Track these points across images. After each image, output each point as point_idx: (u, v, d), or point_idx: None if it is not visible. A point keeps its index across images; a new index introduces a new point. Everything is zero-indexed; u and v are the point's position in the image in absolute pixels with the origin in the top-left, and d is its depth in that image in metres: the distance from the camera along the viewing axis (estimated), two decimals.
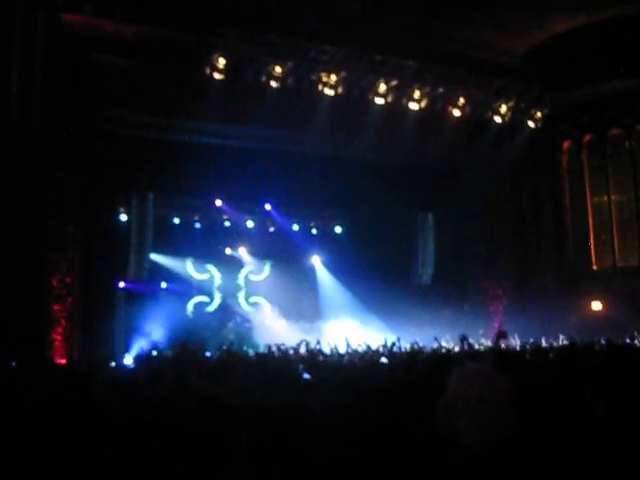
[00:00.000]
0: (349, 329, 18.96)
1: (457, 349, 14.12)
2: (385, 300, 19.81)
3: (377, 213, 22.17)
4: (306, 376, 6.86)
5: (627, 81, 20.05)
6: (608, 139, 21.84)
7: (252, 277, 23.05)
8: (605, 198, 21.86)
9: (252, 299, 22.92)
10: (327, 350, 15.46)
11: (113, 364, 13.25)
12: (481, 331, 19.79)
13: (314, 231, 24.43)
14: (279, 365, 9.89)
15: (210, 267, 22.39)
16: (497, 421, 2.58)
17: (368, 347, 15.62)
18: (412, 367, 7.90)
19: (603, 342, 13.41)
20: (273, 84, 17.96)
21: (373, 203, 21.35)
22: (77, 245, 16.89)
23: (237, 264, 22.86)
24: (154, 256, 20.62)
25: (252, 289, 22.99)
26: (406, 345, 16.26)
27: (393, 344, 15.44)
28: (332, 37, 18.03)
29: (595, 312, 20.68)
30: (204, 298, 22.12)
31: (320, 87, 18.57)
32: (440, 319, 21.13)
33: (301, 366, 8.70)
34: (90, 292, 17.23)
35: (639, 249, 21.39)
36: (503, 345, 11.55)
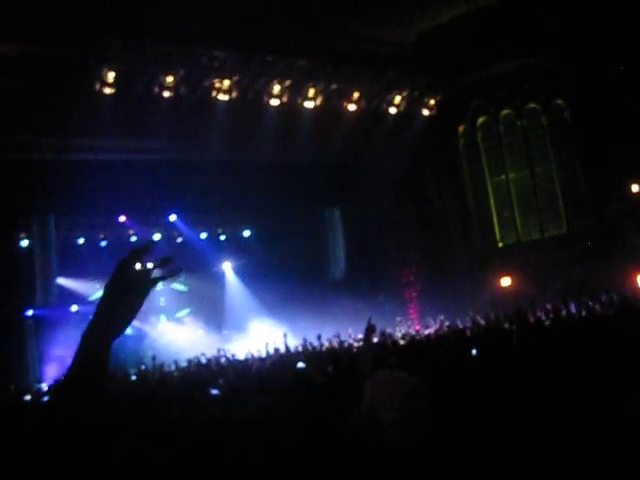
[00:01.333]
0: (266, 333, 18.95)
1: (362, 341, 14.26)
2: (301, 299, 19.87)
3: (284, 213, 22.18)
4: (214, 392, 6.81)
5: (513, 62, 20.67)
6: (500, 120, 22.48)
7: (165, 290, 22.75)
8: (503, 177, 22.50)
9: (167, 313, 22.63)
10: (243, 356, 15.46)
11: (28, 397, 12.86)
12: (398, 319, 20.10)
13: (223, 237, 24.29)
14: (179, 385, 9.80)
15: None
16: (414, 419, 2.63)
17: (287, 349, 15.67)
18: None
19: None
20: (166, 94, 17.73)
21: (279, 204, 21.37)
22: None
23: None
24: (61, 280, 20.09)
25: (167, 302, 22.69)
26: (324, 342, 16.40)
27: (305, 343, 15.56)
28: (222, 42, 17.93)
29: (505, 288, 21.24)
30: None
31: (214, 93, 18.46)
32: (357, 312, 21.33)
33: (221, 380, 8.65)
34: None
35: (540, 223, 22.14)
36: (375, 340, 11.76)
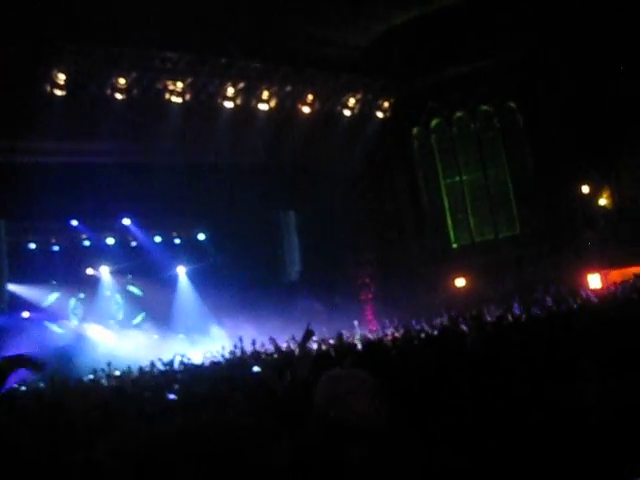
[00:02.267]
0: (222, 337, 18.87)
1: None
2: (256, 301, 19.78)
3: (239, 216, 22.06)
4: (171, 396, 6.75)
5: (466, 65, 20.88)
6: (454, 122, 22.70)
7: (117, 295, 22.51)
8: (457, 178, 22.73)
9: (122, 317, 22.38)
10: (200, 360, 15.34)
11: None
12: (356, 322, 20.11)
13: (177, 241, 24.10)
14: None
15: (71, 290, 21.68)
16: (365, 416, 2.63)
17: (242, 353, 15.61)
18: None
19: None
20: (118, 96, 17.51)
21: (234, 207, 21.26)
22: None
23: (100, 284, 22.25)
24: (11, 286, 19.71)
25: (122, 307, 22.45)
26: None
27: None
28: (175, 44, 17.77)
29: (459, 288, 21.45)
30: (71, 323, 21.38)
31: (167, 95, 18.29)
32: (313, 313, 21.34)
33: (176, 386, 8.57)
34: None
35: (493, 224, 22.42)
36: (312, 345, 11.80)
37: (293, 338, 17.12)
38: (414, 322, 18.00)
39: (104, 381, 14.28)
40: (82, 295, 21.99)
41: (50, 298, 21.22)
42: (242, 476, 3.08)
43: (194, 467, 3.38)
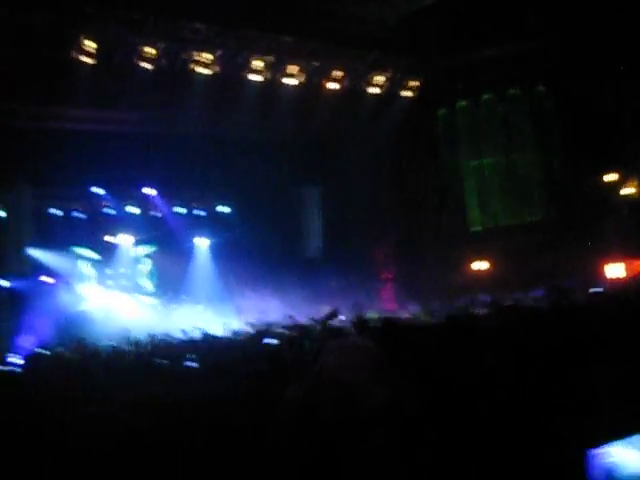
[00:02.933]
0: (240, 310, 18.92)
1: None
2: (275, 276, 19.82)
3: (262, 191, 22.10)
4: (190, 364, 6.79)
5: (495, 47, 20.63)
6: (481, 104, 22.49)
7: (139, 265, 22.67)
8: (482, 161, 22.54)
9: (141, 286, 22.54)
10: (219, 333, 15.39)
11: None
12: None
13: (199, 213, 24.16)
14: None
15: (93, 256, 21.83)
16: (366, 391, 2.63)
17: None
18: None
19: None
20: (146, 65, 17.50)
21: (257, 181, 21.30)
22: None
23: (121, 252, 22.39)
24: (33, 251, 19.89)
25: (139, 276, 22.59)
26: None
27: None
28: (204, 15, 17.71)
29: (479, 272, 21.38)
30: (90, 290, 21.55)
31: (194, 66, 18.25)
32: (331, 291, 21.38)
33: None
34: None
35: (517, 208, 22.26)
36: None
37: (312, 318, 17.09)
38: (433, 304, 17.99)
39: (124, 347, 14.35)
40: (101, 262, 22.13)
41: (70, 264, 21.39)
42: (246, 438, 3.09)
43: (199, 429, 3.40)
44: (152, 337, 14.95)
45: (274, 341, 9.48)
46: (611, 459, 2.14)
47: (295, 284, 19.44)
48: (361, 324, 10.73)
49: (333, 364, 2.83)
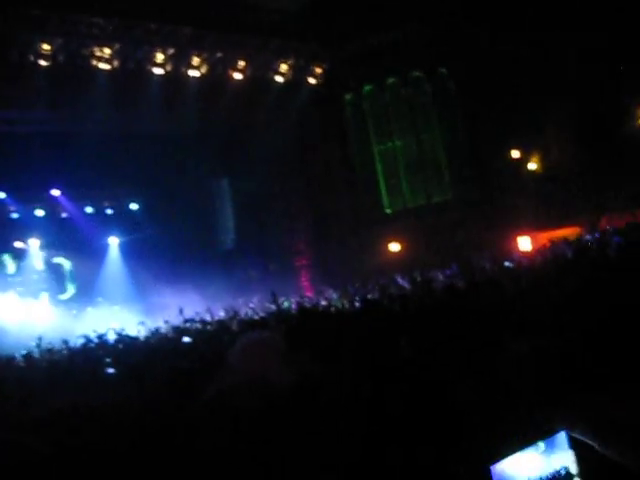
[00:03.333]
0: (159, 306, 18.70)
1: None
2: (191, 271, 19.66)
3: (172, 185, 21.86)
4: (110, 370, 6.71)
5: (397, 31, 20.89)
6: (386, 88, 22.75)
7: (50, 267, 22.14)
8: (390, 144, 22.84)
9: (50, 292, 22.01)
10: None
11: None
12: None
13: (109, 211, 23.71)
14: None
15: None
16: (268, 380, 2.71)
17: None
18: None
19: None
20: (42, 63, 16.98)
21: (166, 175, 21.05)
22: None
23: (31, 257, 21.81)
24: None
25: (49, 281, 22.03)
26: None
27: None
28: (101, 8, 17.28)
29: (393, 253, 21.67)
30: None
31: (94, 62, 17.82)
32: (248, 282, 21.38)
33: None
34: None
35: (425, 189, 22.66)
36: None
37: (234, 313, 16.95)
38: (350, 287, 18.16)
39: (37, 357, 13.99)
40: (11, 269, 21.52)
41: None
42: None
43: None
44: (66, 343, 14.61)
45: (187, 339, 9.45)
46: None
47: (212, 277, 19.35)
48: (278, 314, 10.81)
49: (238, 357, 2.92)
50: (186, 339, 9.59)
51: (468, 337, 4.13)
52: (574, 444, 2.27)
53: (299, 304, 14.02)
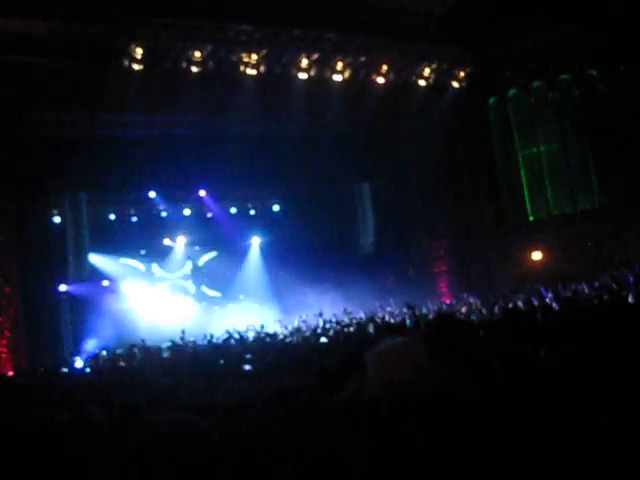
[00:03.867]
0: (295, 308, 19.05)
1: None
2: (330, 273, 19.88)
3: (314, 188, 22.19)
4: (247, 367, 6.86)
5: (544, 33, 20.28)
6: (531, 91, 22.15)
7: (195, 264, 23.03)
8: (534, 150, 22.21)
9: (201, 288, 22.92)
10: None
11: (65, 369, 13.16)
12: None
13: (252, 212, 24.37)
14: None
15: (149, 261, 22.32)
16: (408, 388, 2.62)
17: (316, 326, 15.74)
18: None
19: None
20: (194, 69, 17.67)
21: (309, 178, 21.39)
22: (11, 253, 16.58)
23: (177, 254, 22.78)
24: (92, 256, 20.35)
25: (197, 278, 22.94)
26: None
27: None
28: (249, 16, 17.80)
29: (535, 262, 21.08)
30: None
31: (242, 67, 18.35)
32: (387, 286, 21.37)
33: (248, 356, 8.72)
34: (31, 299, 16.96)
35: (571, 197, 21.86)
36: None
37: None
38: (490, 296, 17.79)
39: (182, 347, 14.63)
40: (159, 265, 22.54)
41: (127, 268, 21.82)
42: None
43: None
44: (210, 337, 15.15)
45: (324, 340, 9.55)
46: None
47: (350, 280, 19.47)
48: (416, 321, 10.75)
49: (377, 361, 2.88)
50: (323, 339, 9.71)
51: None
52: None
53: (438, 311, 13.92)
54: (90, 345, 18.19)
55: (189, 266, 23.10)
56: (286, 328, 16.51)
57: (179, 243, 22.67)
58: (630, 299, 10.29)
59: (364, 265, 22.01)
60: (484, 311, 15.27)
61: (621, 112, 20.16)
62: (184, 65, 17.59)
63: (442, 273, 22.79)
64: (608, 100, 20.79)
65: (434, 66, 21.04)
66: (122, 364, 13.83)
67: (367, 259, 23.03)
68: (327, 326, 15.80)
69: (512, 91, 22.29)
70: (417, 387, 2.62)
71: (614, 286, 13.79)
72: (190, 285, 22.97)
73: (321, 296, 19.25)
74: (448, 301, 20.04)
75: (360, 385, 2.85)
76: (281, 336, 15.19)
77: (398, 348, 2.96)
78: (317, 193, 22.36)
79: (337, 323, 16.24)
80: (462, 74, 21.60)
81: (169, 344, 15.60)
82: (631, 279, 13.75)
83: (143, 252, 22.35)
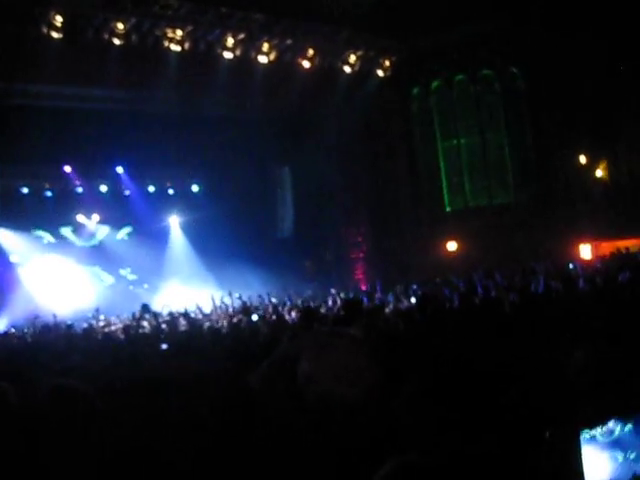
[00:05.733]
0: (207, 289, 18.92)
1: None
2: (247, 256, 19.77)
3: (234, 169, 22.00)
4: (164, 346, 6.80)
5: (469, 27, 20.56)
6: (454, 85, 22.47)
7: (108, 243, 22.54)
8: (454, 142, 22.58)
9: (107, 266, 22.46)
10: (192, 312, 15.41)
11: None
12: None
13: (171, 191, 23.99)
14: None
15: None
16: (356, 372, 2.52)
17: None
18: None
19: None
20: (116, 41, 17.17)
21: (229, 159, 21.19)
22: None
23: (92, 231, 22.26)
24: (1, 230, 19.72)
25: (109, 256, 22.42)
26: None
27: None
28: None
29: (450, 252, 21.46)
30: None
31: (166, 43, 17.97)
32: (304, 270, 21.44)
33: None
34: None
35: (488, 189, 22.34)
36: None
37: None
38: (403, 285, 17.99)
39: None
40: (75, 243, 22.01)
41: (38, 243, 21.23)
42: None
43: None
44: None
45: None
46: None
47: (267, 263, 19.43)
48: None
49: (320, 359, 2.66)
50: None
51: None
52: None
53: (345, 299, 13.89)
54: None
55: (102, 236, 22.54)
56: (201, 311, 16.32)
57: (93, 220, 22.13)
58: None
59: (283, 249, 22.01)
60: (399, 298, 15.39)
61: (539, 111, 20.67)
62: (106, 37, 17.07)
63: (359, 259, 22.98)
64: (527, 98, 21.30)
65: (360, 53, 21.12)
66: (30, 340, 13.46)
67: (286, 243, 23.02)
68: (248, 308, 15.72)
69: (435, 83, 22.58)
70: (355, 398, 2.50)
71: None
72: (102, 263, 22.44)
73: (240, 278, 19.17)
74: (364, 287, 20.21)
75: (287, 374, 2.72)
76: (196, 316, 15.09)
77: (346, 345, 2.69)
78: (237, 175, 22.16)
79: (255, 307, 16.17)
80: (387, 63, 21.76)
81: (85, 325, 15.25)
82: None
83: (57, 228, 21.72)
